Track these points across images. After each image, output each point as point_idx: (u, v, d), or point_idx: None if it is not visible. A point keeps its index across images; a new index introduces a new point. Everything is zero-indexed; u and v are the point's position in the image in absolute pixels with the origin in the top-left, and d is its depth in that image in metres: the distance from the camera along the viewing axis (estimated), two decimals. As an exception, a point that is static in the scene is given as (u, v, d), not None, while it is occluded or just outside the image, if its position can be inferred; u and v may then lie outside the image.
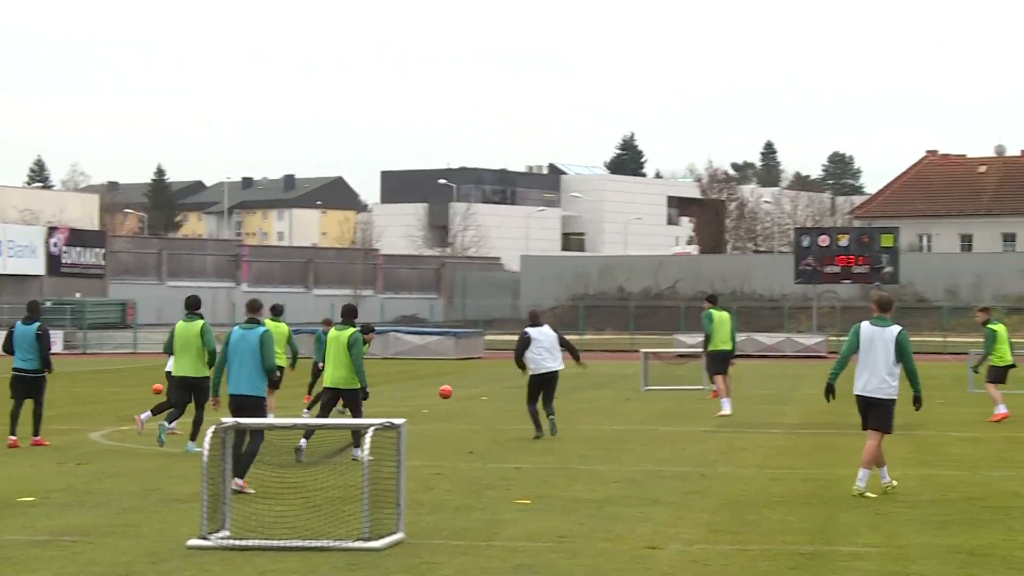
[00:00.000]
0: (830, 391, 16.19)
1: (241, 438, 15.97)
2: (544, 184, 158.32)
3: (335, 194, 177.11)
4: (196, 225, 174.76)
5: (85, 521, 14.19)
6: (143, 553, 12.46)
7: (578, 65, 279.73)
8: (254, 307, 16.73)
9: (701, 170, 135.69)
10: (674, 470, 18.26)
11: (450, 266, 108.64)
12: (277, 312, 25.78)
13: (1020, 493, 16.16)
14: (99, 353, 63.48)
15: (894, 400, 15.83)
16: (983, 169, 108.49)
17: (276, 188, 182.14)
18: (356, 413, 18.73)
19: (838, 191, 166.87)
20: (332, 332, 18.72)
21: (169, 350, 20.62)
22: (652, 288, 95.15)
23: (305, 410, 26.35)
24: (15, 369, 21.42)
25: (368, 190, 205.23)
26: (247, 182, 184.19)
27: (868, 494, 15.60)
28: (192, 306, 20.11)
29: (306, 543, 12.56)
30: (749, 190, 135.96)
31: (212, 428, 13.17)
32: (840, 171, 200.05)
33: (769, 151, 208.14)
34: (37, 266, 79.98)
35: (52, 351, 21.89)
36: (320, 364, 24.09)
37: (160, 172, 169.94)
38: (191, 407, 20.28)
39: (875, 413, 15.81)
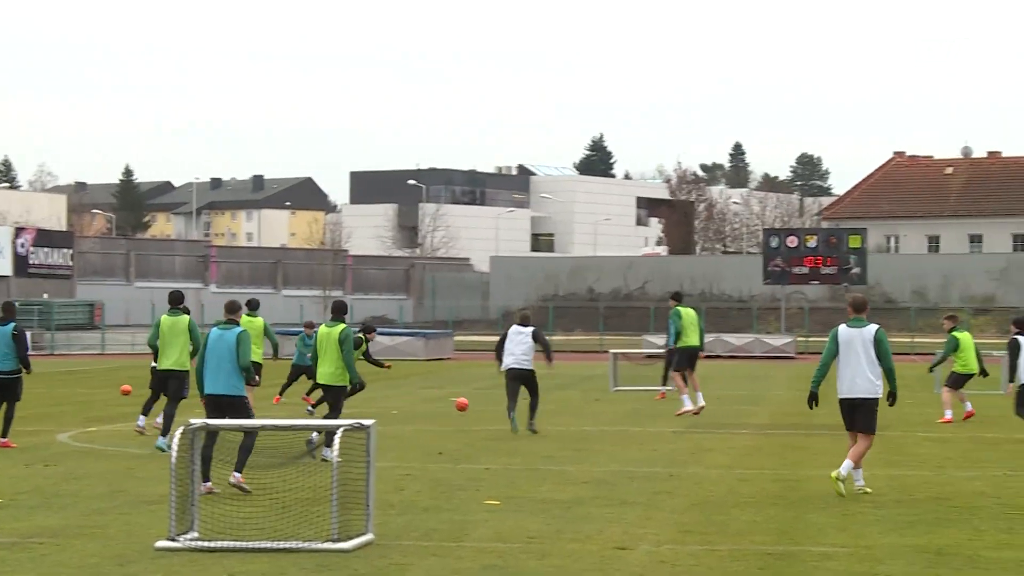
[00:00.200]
0: (813, 399, 16.27)
1: (212, 439, 15.97)
2: (513, 185, 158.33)
3: (304, 195, 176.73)
4: (164, 226, 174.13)
5: (52, 523, 14.13)
6: (111, 555, 12.41)
7: (547, 66, 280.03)
8: (232, 308, 16.86)
9: (670, 171, 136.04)
10: (643, 471, 18.29)
11: (419, 267, 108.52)
12: (253, 307, 25.97)
13: (986, 493, 16.24)
14: (67, 354, 63.20)
15: (878, 399, 15.95)
16: (950, 171, 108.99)
17: (245, 189, 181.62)
18: (335, 412, 18.80)
19: (806, 192, 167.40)
20: (323, 329, 18.99)
21: (153, 344, 20.68)
22: (621, 289, 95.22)
23: (309, 408, 26.43)
24: None
25: (337, 191, 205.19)
26: (216, 183, 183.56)
27: (868, 490, 15.78)
28: (176, 301, 20.48)
29: (275, 544, 12.53)
30: (718, 191, 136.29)
31: (181, 429, 13.13)
32: (808, 172, 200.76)
33: (738, 152, 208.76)
34: (4, 267, 79.49)
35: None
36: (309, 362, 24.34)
37: (128, 172, 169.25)
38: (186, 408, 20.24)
39: (861, 414, 15.91)
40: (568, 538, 13.18)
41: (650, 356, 41.92)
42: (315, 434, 18.48)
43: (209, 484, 15.56)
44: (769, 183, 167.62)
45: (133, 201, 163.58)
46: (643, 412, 28.13)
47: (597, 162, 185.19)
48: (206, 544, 12.56)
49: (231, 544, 12.58)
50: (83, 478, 17.71)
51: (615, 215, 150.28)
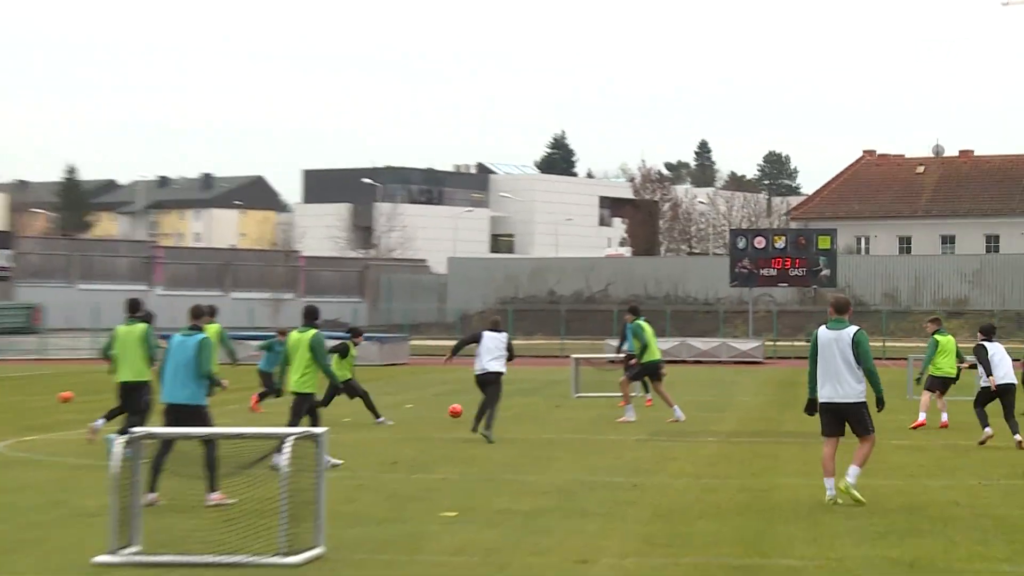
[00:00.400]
0: (812, 406, 16.31)
1: (167, 448, 15.85)
2: (472, 184, 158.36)
3: (255, 194, 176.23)
4: (109, 226, 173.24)
5: (-14, 537, 13.94)
6: (47, 570, 12.26)
7: (508, 61, 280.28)
8: (197, 313, 16.80)
9: (634, 170, 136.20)
10: (605, 480, 18.24)
11: (374, 268, 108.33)
12: (210, 313, 25.84)
13: (960, 503, 16.25)
14: (4, 360, 62.70)
15: (864, 403, 16.02)
16: (921, 170, 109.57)
17: (193, 187, 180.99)
18: (294, 420, 18.86)
19: (774, 191, 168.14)
20: (293, 335, 19.14)
21: (107, 354, 20.60)
22: (584, 291, 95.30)
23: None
24: None
25: (289, 189, 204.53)
26: (163, 181, 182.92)
27: (839, 500, 15.78)
28: (133, 309, 20.41)
29: (221, 559, 12.40)
30: (683, 190, 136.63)
31: (122, 438, 12.98)
32: (776, 171, 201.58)
33: (703, 150, 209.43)
34: (-60, 268, 78.93)
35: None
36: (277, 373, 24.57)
37: (71, 170, 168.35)
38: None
39: (851, 420, 16.00)
40: (527, 551, 13.10)
41: (613, 361, 41.92)
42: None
43: (155, 496, 15.42)
44: (736, 182, 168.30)
45: (76, 200, 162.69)
46: (606, 419, 28.13)
47: (558, 160, 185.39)
48: (148, 559, 12.42)
49: (174, 559, 12.44)
50: (19, 489, 17.52)
51: (577, 215, 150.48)
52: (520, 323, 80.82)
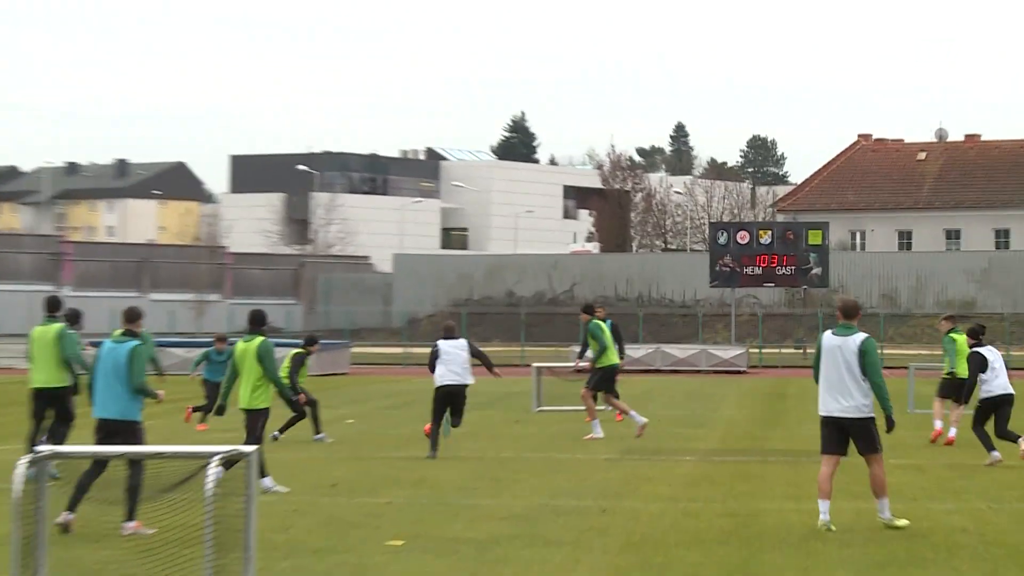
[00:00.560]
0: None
1: (99, 468, 15.74)
2: (421, 171, 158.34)
3: (176, 182, 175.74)
4: (10, 218, 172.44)
5: None
6: (-60, 608, 12.16)
7: (460, 35, 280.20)
8: (131, 316, 16.61)
9: (602, 156, 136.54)
10: (571, 504, 18.25)
11: (311, 266, 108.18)
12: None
13: (967, 529, 16.32)
14: None
15: (872, 418, 16.04)
16: (923, 156, 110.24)
17: (106, 175, 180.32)
18: (252, 437, 18.90)
19: (759, 180, 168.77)
20: (239, 345, 19.13)
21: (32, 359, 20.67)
22: (546, 292, 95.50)
23: (275, 434, 26.35)
24: None
25: (214, 177, 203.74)
26: (72, 168, 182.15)
27: (833, 527, 15.82)
28: (52, 308, 20.48)
29: (137, 594, 12.33)
30: (657, 179, 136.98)
31: (25, 458, 12.89)
32: (761, 157, 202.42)
33: (680, 134, 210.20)
34: None
35: None
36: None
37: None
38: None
39: (856, 438, 16.04)
40: (484, 584, 13.08)
41: (580, 370, 41.93)
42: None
43: (71, 516, 15.34)
44: (716, 170, 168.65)
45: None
46: (571, 435, 28.14)
47: (518, 145, 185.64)
48: (55, 594, 12.33)
49: (85, 594, 12.36)
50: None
51: (539, 206, 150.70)
52: (475, 328, 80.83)
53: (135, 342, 16.25)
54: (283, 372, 24.73)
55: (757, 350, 67.46)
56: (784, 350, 71.79)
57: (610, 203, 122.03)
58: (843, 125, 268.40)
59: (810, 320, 75.61)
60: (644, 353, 60.09)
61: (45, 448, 13.18)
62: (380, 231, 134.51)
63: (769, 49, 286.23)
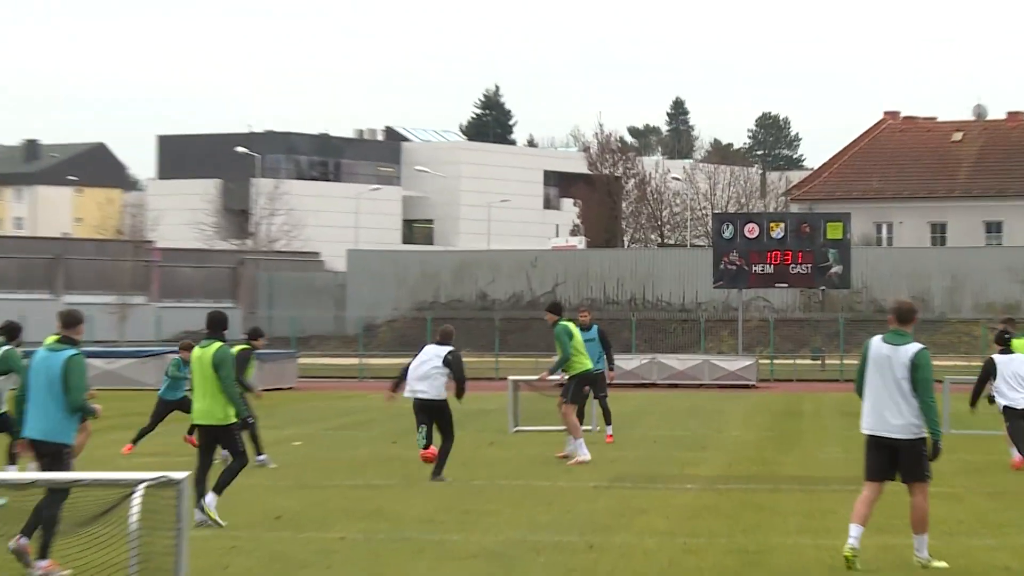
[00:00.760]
0: None
1: (56, 496, 15.68)
2: (379, 154, 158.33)
3: (95, 166, 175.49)
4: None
5: None
6: None
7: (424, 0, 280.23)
8: (69, 321, 16.40)
9: (589, 137, 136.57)
10: (553, 539, 18.26)
11: (251, 264, 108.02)
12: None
13: (1011, 568, 16.37)
14: None
15: (923, 439, 15.98)
16: (959, 137, 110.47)
17: (13, 158, 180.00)
18: (235, 455, 19.48)
19: (769, 165, 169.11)
20: (195, 352, 19.51)
21: None
22: (524, 294, 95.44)
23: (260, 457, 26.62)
24: None
25: (140, 161, 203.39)
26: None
27: (858, 564, 15.83)
28: None
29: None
30: (652, 163, 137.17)
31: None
32: (772, 138, 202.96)
33: (678, 112, 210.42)
34: None
35: None
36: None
37: None
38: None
39: (902, 460, 16.01)
40: (452, 632, 13.10)
41: (562, 385, 41.96)
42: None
43: (25, 542, 15.36)
44: (720, 153, 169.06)
45: None
46: (552, 460, 28.16)
47: (491, 124, 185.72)
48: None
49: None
50: None
51: (515, 195, 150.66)
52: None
53: (72, 351, 16.08)
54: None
55: (768, 361, 67.52)
56: (799, 361, 71.77)
57: (598, 191, 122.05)
58: (867, 101, 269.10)
59: (829, 326, 75.65)
60: (638, 364, 60.10)
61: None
62: (332, 223, 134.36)
63: (780, 13, 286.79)
